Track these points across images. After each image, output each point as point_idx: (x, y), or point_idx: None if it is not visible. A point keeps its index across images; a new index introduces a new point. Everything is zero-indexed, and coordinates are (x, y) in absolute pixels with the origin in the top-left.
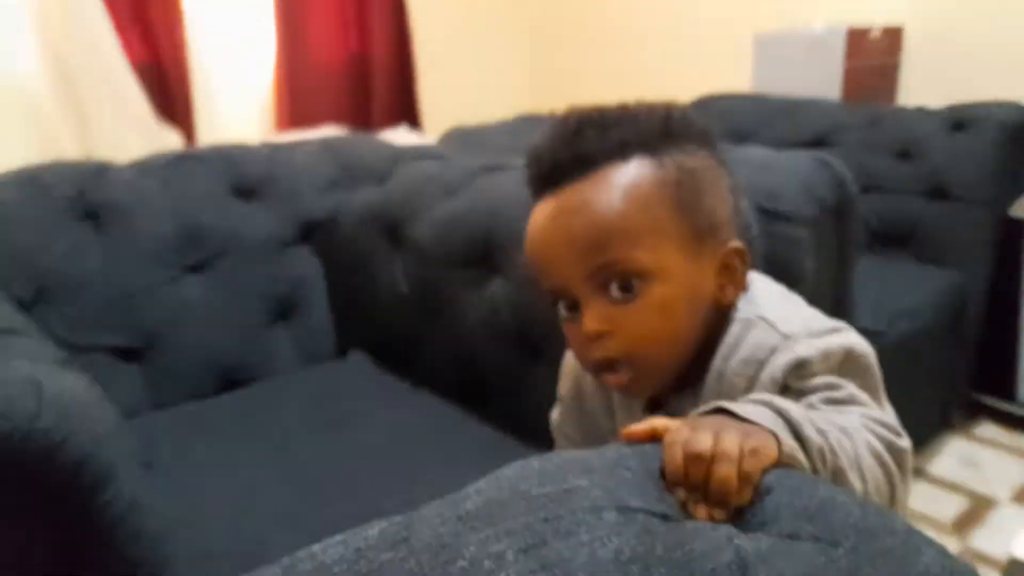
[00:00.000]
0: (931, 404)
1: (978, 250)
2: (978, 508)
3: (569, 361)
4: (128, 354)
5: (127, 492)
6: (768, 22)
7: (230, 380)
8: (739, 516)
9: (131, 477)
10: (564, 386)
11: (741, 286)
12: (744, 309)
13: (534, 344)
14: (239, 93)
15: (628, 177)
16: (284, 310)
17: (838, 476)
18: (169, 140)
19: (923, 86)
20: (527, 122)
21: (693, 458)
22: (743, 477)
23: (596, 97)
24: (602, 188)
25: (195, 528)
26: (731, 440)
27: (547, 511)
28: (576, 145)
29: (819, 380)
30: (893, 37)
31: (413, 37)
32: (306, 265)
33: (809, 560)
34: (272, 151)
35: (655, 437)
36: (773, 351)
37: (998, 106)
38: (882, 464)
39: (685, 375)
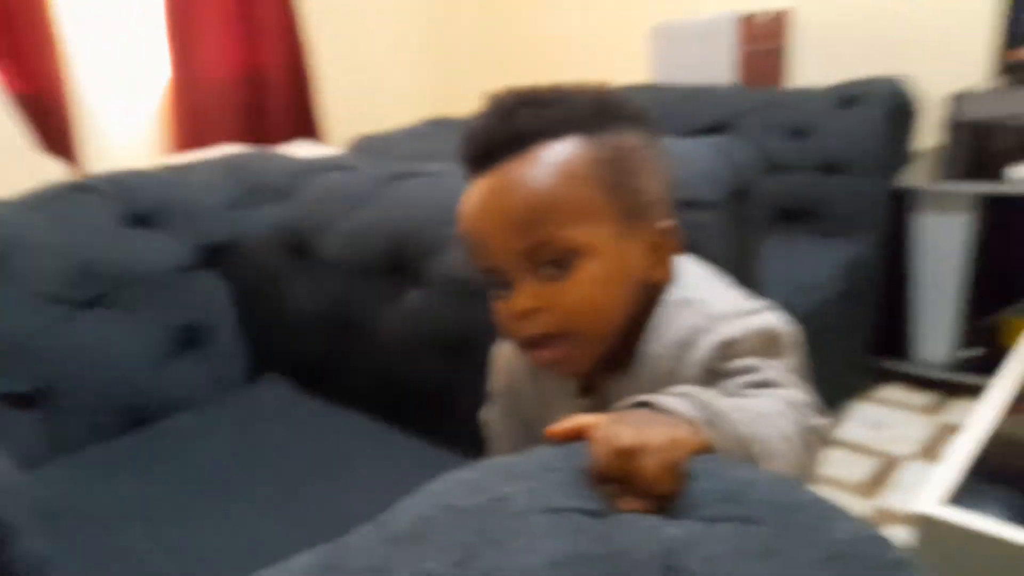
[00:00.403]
0: (838, 371)
1: (871, 221)
2: (885, 468)
3: (500, 355)
4: (24, 400)
5: (33, 549)
6: (663, 13)
7: (138, 418)
8: (665, 505)
9: (36, 533)
10: (496, 381)
11: (671, 265)
12: (673, 292)
13: (457, 352)
14: (128, 117)
15: (561, 155)
16: (191, 339)
17: (755, 462)
18: (53, 171)
19: (811, 67)
20: (436, 126)
21: (618, 452)
22: (667, 467)
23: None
24: (535, 166)
25: None
26: (655, 432)
27: (477, 523)
28: (511, 123)
29: (741, 363)
30: (780, 20)
31: (308, 49)
32: (212, 290)
33: (731, 540)
34: (167, 174)
35: (579, 435)
36: (700, 333)
37: (881, 82)
38: (797, 444)
39: (617, 358)
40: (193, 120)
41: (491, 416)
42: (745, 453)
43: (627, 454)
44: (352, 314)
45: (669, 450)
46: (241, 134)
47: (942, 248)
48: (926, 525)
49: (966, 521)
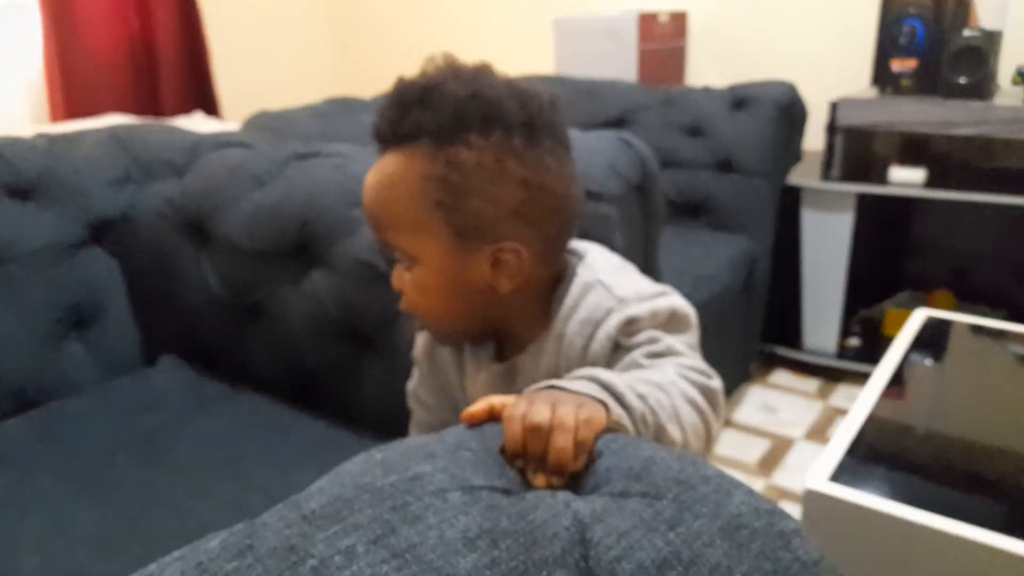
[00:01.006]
0: (732, 358)
1: (763, 217)
2: (778, 449)
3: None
4: None
5: None
6: (566, 7)
7: (24, 401)
8: (575, 481)
9: None
10: (417, 347)
11: (517, 278)
12: (583, 274)
13: (363, 335)
14: (4, 82)
15: (401, 168)
16: (79, 319)
17: (660, 433)
18: None
19: (707, 68)
20: (336, 105)
21: (532, 430)
22: (578, 445)
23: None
24: (383, 175)
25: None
26: (566, 411)
27: (393, 500)
28: (390, 116)
29: (642, 336)
30: (679, 22)
31: (202, 18)
32: (101, 269)
33: (638, 514)
34: (49, 144)
35: (493, 416)
36: (608, 312)
37: (771, 85)
38: (697, 409)
39: (526, 332)
40: (76, 88)
41: (413, 385)
42: (647, 427)
43: (541, 432)
44: (253, 296)
45: (582, 428)
46: (130, 105)
47: (827, 244)
48: (813, 500)
49: (848, 496)
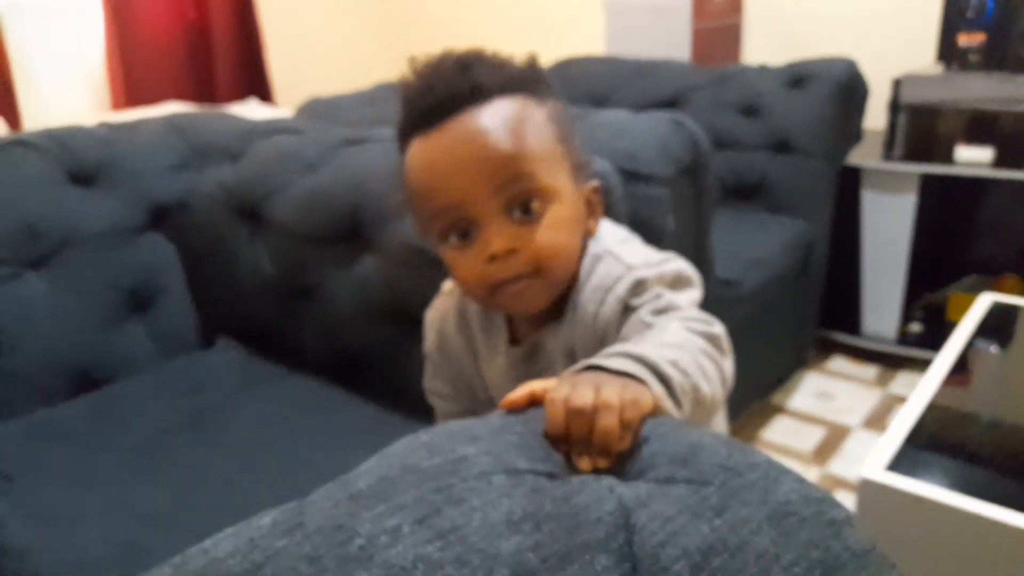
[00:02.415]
0: (787, 344)
1: (820, 199)
2: (834, 437)
3: (430, 315)
4: None
5: None
6: None
7: (86, 381)
8: (619, 466)
9: None
10: (428, 341)
11: (599, 220)
12: (593, 246)
13: (410, 318)
14: (67, 73)
15: (522, 110)
16: (139, 302)
17: (696, 393)
18: None
19: (763, 46)
20: (386, 90)
21: (576, 412)
22: (625, 425)
23: None
24: (502, 117)
25: (63, 540)
26: (611, 392)
27: (438, 482)
28: (469, 77)
29: (648, 294)
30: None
31: (256, 6)
32: (159, 252)
33: (683, 500)
34: (110, 132)
35: (534, 401)
36: (618, 279)
37: (831, 63)
38: (710, 358)
39: (546, 310)
40: (135, 77)
41: (428, 379)
42: (684, 393)
43: (585, 413)
44: (304, 279)
45: (628, 408)
46: (188, 92)
47: (889, 226)
48: (868, 490)
49: (905, 486)
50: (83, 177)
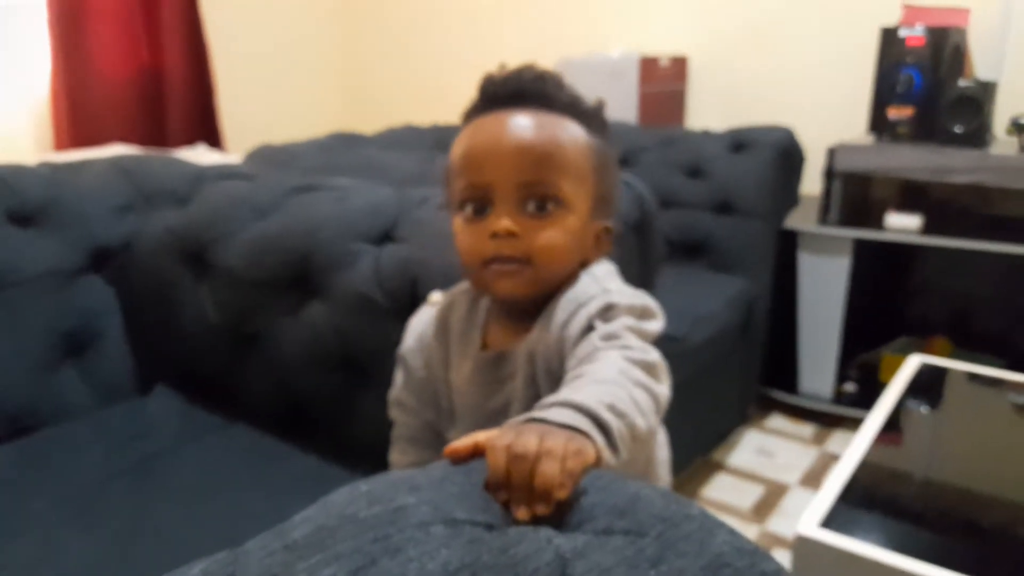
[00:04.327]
0: (729, 401)
1: (761, 259)
2: (772, 494)
3: (414, 320)
4: None
5: None
6: (571, 47)
7: (17, 427)
8: (558, 517)
9: None
10: (405, 343)
11: (600, 255)
12: (582, 272)
13: (359, 366)
14: (9, 110)
15: (572, 129)
16: (75, 346)
17: (632, 431)
18: None
19: (706, 111)
20: (341, 140)
21: (517, 458)
22: (566, 474)
23: (410, 118)
24: (551, 125)
25: None
26: (555, 441)
27: (376, 531)
28: (541, 84)
29: (614, 321)
30: (679, 65)
31: (210, 51)
32: (98, 296)
33: (621, 552)
34: (53, 172)
35: (478, 451)
36: (592, 297)
37: (770, 130)
38: (645, 388)
39: (528, 321)
40: (82, 118)
41: (395, 390)
42: (622, 437)
43: (527, 460)
44: (251, 327)
45: (571, 458)
46: (136, 135)
47: (824, 288)
48: (803, 547)
49: (838, 543)
50: (23, 217)
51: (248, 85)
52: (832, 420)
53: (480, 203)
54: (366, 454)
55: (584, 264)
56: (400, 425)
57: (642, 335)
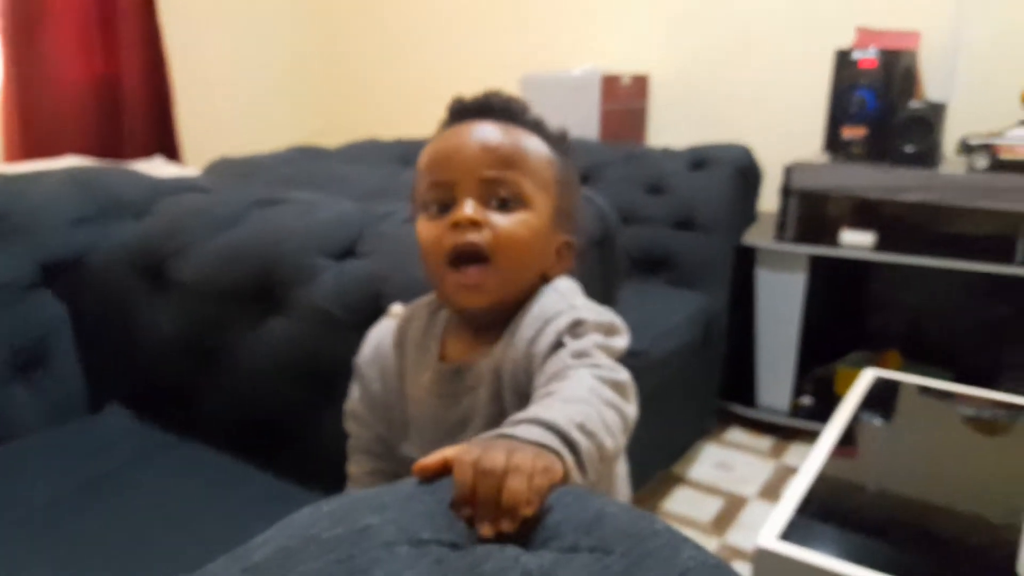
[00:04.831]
0: (690, 415)
1: (720, 275)
2: (732, 507)
3: (372, 331)
4: None
5: None
6: (533, 65)
7: None
8: (523, 535)
9: None
10: (362, 353)
11: (562, 270)
12: (546, 288)
13: (321, 384)
14: None
15: (536, 143)
16: (25, 363)
17: (600, 450)
18: None
19: (667, 128)
20: (303, 153)
21: (484, 473)
22: (533, 490)
23: (369, 133)
24: (517, 134)
25: None
26: (523, 457)
27: (340, 552)
28: (507, 103)
29: (583, 338)
30: (640, 84)
31: (168, 62)
32: (50, 312)
33: (587, 569)
34: (5, 183)
35: (447, 468)
36: (560, 313)
37: (728, 148)
38: (614, 407)
39: (488, 333)
40: (35, 128)
41: (349, 403)
42: (590, 456)
43: (494, 475)
44: (210, 342)
45: (538, 475)
46: (91, 146)
47: (781, 303)
48: (763, 559)
49: (798, 555)
50: None
51: (206, 97)
52: (789, 433)
53: (444, 202)
54: (326, 471)
55: (545, 279)
56: (355, 437)
57: (610, 352)
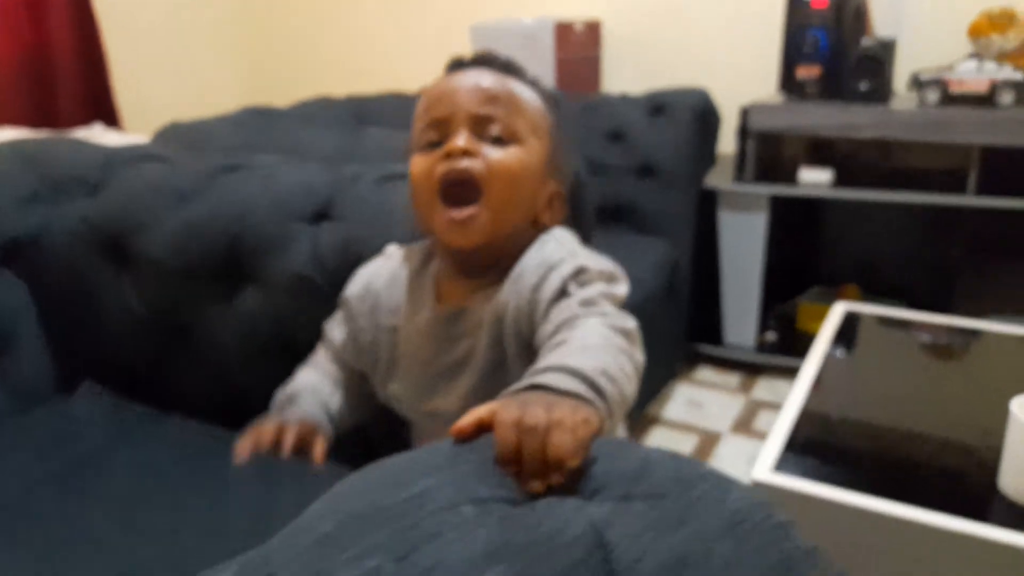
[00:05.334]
0: (660, 358)
1: (683, 220)
2: (707, 443)
3: (363, 269)
4: None
5: None
6: (483, 14)
7: None
8: (571, 488)
9: None
10: (350, 289)
11: (555, 220)
12: (545, 235)
13: (300, 354)
14: None
15: (531, 93)
16: None
17: (622, 396)
18: None
19: (621, 76)
20: (254, 115)
21: (528, 432)
22: (581, 443)
23: (320, 89)
24: (512, 83)
25: None
26: (563, 411)
27: (407, 517)
28: (504, 60)
29: (588, 285)
30: (593, 31)
31: (100, 27)
32: (10, 293)
33: (646, 516)
34: None
35: (483, 427)
36: (563, 260)
37: (686, 93)
38: (627, 354)
39: (485, 278)
40: None
41: (329, 324)
42: (617, 401)
43: (537, 431)
44: (180, 317)
45: (581, 427)
46: (24, 117)
47: (744, 243)
48: (759, 492)
49: (793, 485)
50: None
51: (142, 59)
52: (756, 369)
53: (438, 140)
54: None
55: (537, 226)
56: (318, 354)
57: (613, 300)
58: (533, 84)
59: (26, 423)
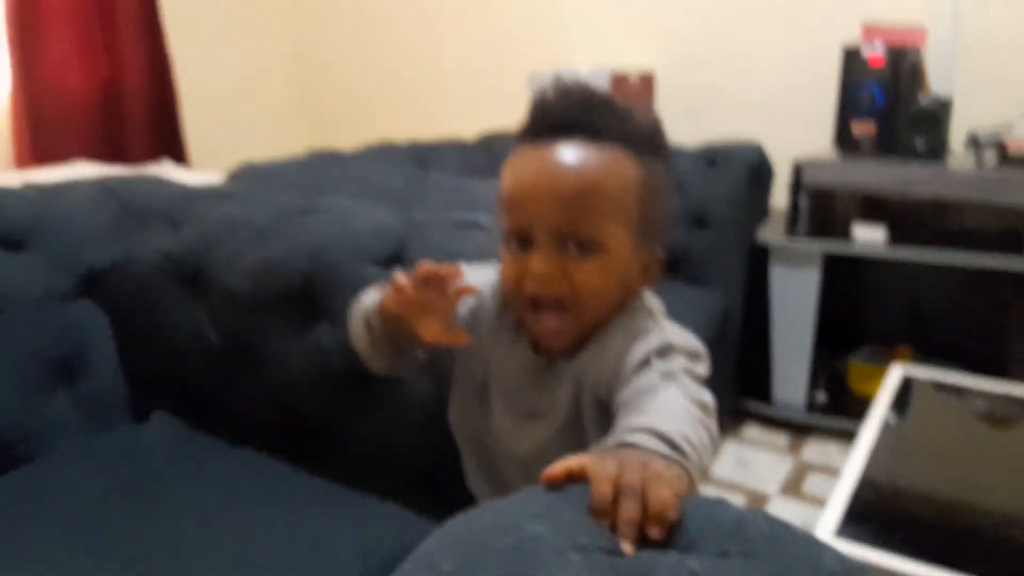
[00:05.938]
0: None
1: (734, 272)
2: (754, 504)
3: (475, 274)
4: None
5: None
6: (540, 63)
7: (8, 456)
8: (665, 544)
9: None
10: (462, 307)
11: (650, 284)
12: (639, 305)
13: (365, 384)
14: None
15: (617, 163)
16: (68, 372)
17: (702, 465)
18: None
19: (673, 127)
20: (321, 159)
21: (626, 492)
22: (675, 496)
23: (377, 133)
24: (595, 163)
25: None
26: (659, 467)
27: (520, 563)
28: (590, 114)
29: (671, 359)
30: (647, 82)
31: (172, 64)
32: (90, 321)
33: (742, 572)
34: (39, 194)
35: (573, 477)
36: (650, 333)
37: (741, 147)
38: (705, 426)
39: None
40: (42, 134)
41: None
42: (701, 467)
43: (635, 489)
44: (253, 349)
45: (677, 481)
46: (97, 151)
47: (795, 299)
48: None
49: (858, 553)
50: (12, 242)
51: (211, 99)
52: (804, 429)
53: (522, 239)
54: (373, 471)
55: (628, 291)
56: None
57: (694, 377)
58: (625, 137)
59: (100, 445)
